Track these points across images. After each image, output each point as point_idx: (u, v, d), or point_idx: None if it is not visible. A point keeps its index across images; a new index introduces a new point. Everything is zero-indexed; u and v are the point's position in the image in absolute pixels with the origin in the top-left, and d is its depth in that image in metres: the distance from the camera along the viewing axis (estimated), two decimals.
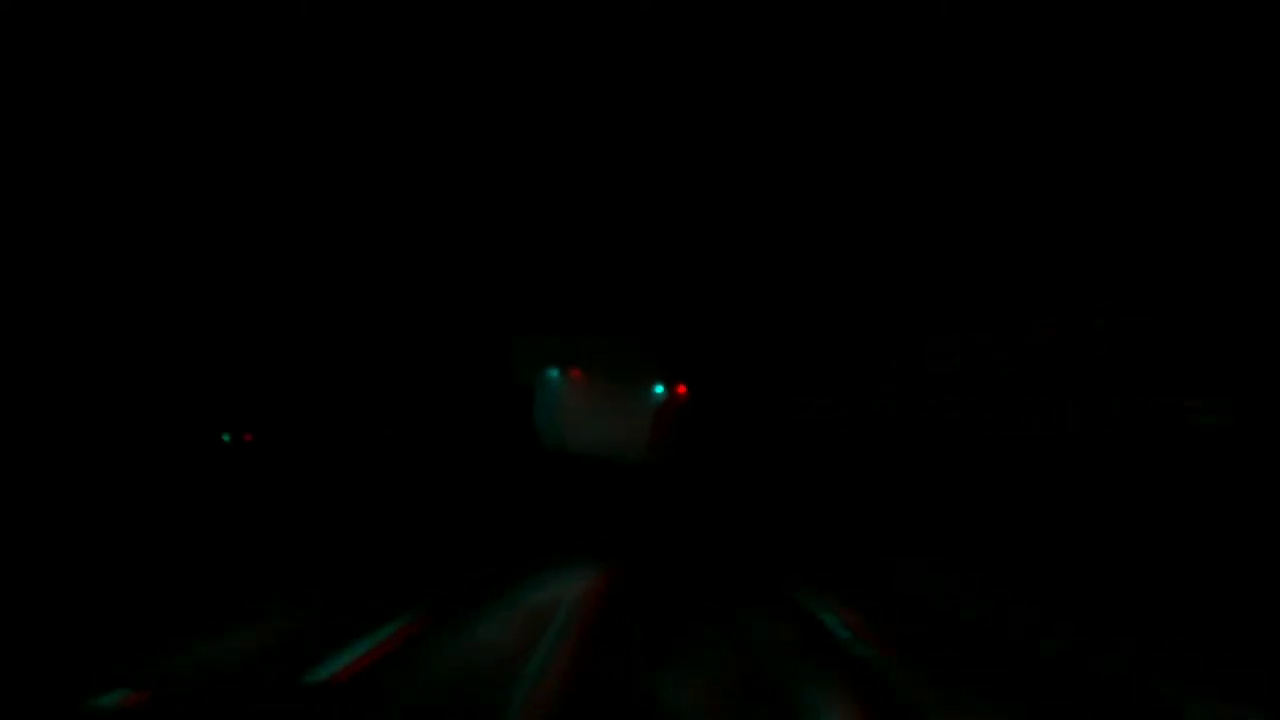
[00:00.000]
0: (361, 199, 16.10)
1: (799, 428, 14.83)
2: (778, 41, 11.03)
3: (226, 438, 21.42)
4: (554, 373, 22.20)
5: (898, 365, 11.75)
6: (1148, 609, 8.25)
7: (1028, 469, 9.44)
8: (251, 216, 16.79)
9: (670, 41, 11.15)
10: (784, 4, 10.24)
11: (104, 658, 6.23)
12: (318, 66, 13.19)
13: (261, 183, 15.90)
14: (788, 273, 14.25)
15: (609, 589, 10.51)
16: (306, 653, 6.71)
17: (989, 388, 10.04)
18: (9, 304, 14.37)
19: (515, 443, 22.25)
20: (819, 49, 10.86)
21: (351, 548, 14.08)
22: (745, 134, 12.52)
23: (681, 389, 20.65)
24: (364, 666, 6.45)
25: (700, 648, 7.30)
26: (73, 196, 14.51)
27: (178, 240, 16.43)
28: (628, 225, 16.20)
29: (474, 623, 8.05)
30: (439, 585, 10.42)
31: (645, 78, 12.10)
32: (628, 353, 20.39)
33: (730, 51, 11.24)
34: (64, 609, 7.95)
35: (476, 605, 8.87)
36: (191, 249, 16.85)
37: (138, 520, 14.07)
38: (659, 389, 21.12)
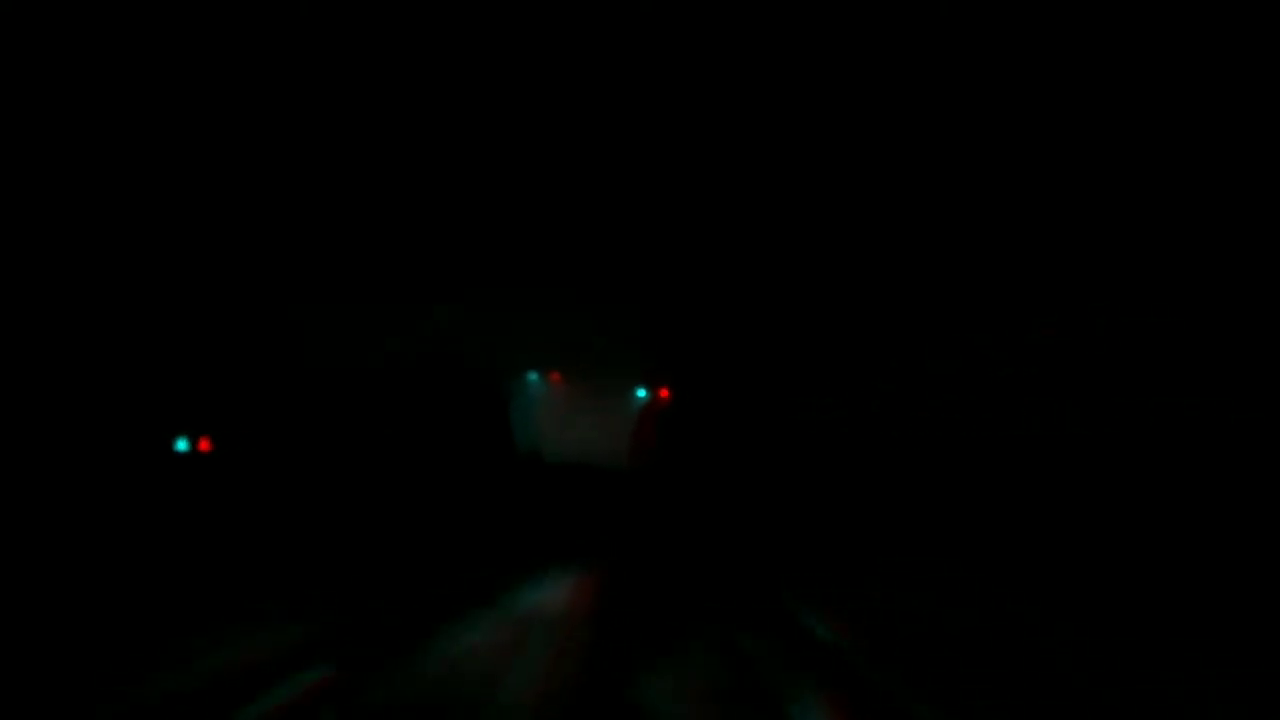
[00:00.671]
0: (340, 192, 16.13)
1: (797, 428, 15.11)
2: (776, 39, 11.31)
3: (182, 445, 20.54)
4: (533, 376, 22.32)
5: (898, 365, 12.09)
6: (1148, 613, 8.56)
7: (1028, 469, 9.77)
8: (203, 207, 16.64)
9: (669, 38, 11.39)
10: (786, 1, 10.54)
11: None
12: (279, 68, 13.26)
13: (218, 174, 15.81)
14: (784, 272, 14.53)
15: (591, 605, 10.63)
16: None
17: (989, 388, 10.39)
18: None
19: (489, 449, 22.20)
20: (819, 45, 11.16)
21: (315, 566, 13.75)
22: (742, 128, 12.79)
23: (664, 392, 20.88)
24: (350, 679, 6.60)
25: (686, 665, 7.45)
26: (14, 189, 14.30)
27: (115, 228, 16.05)
28: (614, 222, 16.38)
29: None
30: (406, 604, 10.38)
31: (640, 70, 12.32)
32: (612, 355, 20.55)
33: (728, 49, 11.51)
34: None
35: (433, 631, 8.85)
36: (131, 237, 16.43)
37: (57, 551, 12.91)
38: (641, 393, 21.33)
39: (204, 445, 20.10)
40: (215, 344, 19.66)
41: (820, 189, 12.82)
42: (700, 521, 17.07)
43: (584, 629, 9.18)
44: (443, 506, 20.49)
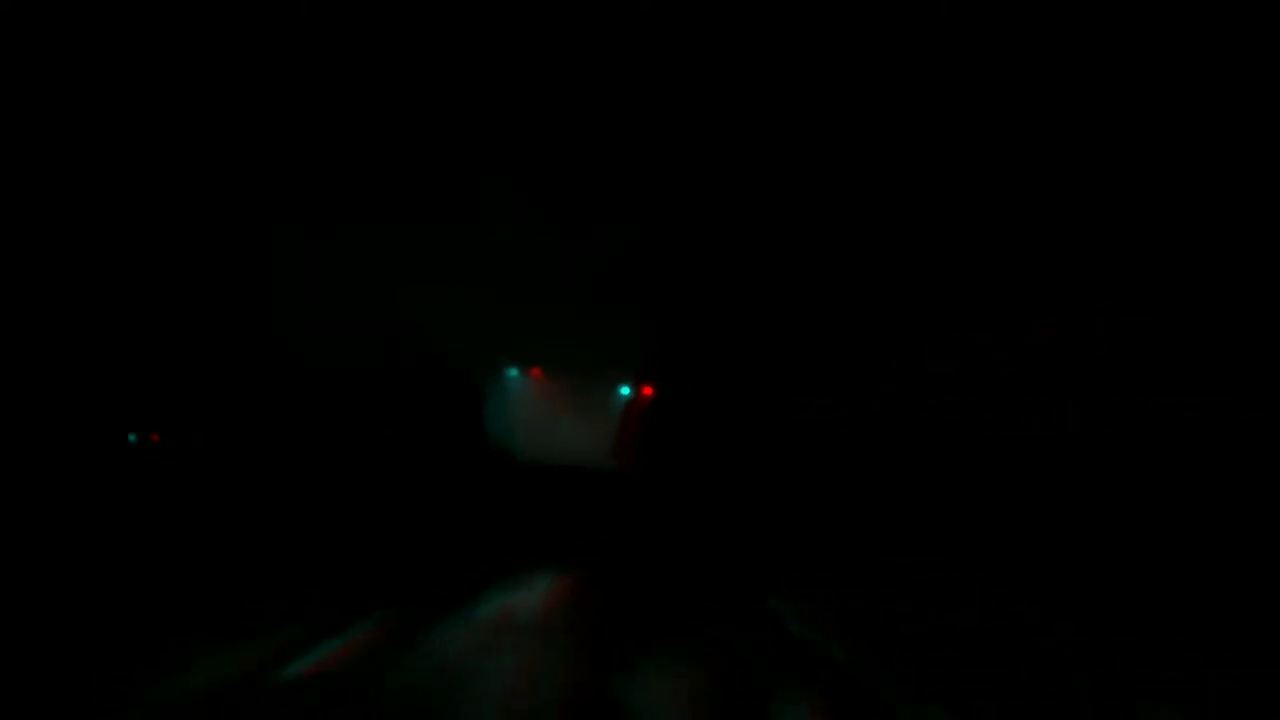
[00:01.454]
0: (322, 182, 16.12)
1: (794, 428, 15.43)
2: (773, 34, 11.56)
3: (133, 438, 20.47)
4: (513, 371, 22.37)
5: (898, 365, 12.45)
6: (1147, 614, 8.93)
7: (1028, 469, 10.15)
8: (156, 190, 16.51)
9: (663, 30, 11.60)
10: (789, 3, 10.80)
11: None
12: (245, 59, 13.26)
13: (170, 156, 15.72)
14: (781, 271, 14.81)
15: (569, 608, 10.80)
16: None
17: (989, 388, 10.77)
18: None
19: (461, 449, 22.18)
20: (817, 42, 11.43)
21: (271, 564, 13.63)
22: (739, 123, 13.03)
23: (647, 390, 21.06)
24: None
25: (671, 666, 7.65)
26: None
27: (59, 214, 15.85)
28: (601, 215, 16.55)
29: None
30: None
31: (632, 61, 12.50)
32: (599, 352, 20.63)
33: (725, 42, 11.74)
34: None
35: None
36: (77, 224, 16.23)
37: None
38: (625, 390, 21.48)
39: (154, 437, 20.26)
40: (171, 333, 19.44)
41: (819, 187, 13.10)
42: (685, 520, 17.32)
43: (561, 634, 9.25)
44: (401, 506, 20.24)
